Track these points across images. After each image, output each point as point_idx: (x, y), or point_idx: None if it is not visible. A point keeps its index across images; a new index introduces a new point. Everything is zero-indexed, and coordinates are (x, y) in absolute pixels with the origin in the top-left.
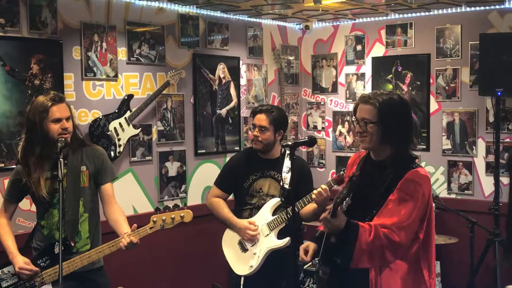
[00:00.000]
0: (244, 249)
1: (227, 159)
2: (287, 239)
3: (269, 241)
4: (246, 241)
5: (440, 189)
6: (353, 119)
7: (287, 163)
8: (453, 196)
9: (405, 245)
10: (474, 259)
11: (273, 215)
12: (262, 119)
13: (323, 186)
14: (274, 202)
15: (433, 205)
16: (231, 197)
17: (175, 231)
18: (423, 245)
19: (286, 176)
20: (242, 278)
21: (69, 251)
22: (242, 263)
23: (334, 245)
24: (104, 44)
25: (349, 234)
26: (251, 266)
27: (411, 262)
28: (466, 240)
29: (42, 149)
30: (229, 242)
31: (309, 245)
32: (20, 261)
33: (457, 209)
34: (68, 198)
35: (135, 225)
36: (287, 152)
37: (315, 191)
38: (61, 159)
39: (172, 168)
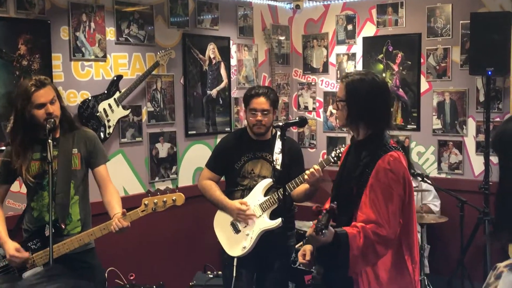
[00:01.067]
0: (237, 230)
1: (218, 140)
2: (279, 219)
3: (262, 222)
4: (240, 222)
5: (430, 169)
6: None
7: (278, 144)
8: (443, 175)
9: (393, 236)
10: (464, 238)
11: (265, 196)
12: (263, 102)
13: (316, 167)
14: (265, 183)
15: (413, 185)
16: (222, 178)
17: (166, 212)
18: (404, 230)
19: (278, 157)
20: (235, 259)
21: (60, 234)
22: (235, 245)
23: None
24: (92, 24)
25: (340, 246)
26: (244, 247)
27: (394, 248)
28: (456, 219)
29: (26, 133)
30: (221, 224)
31: (305, 248)
32: (11, 248)
33: (447, 189)
34: (59, 180)
35: (124, 210)
36: (278, 133)
37: (307, 172)
38: (49, 140)
39: (163, 149)
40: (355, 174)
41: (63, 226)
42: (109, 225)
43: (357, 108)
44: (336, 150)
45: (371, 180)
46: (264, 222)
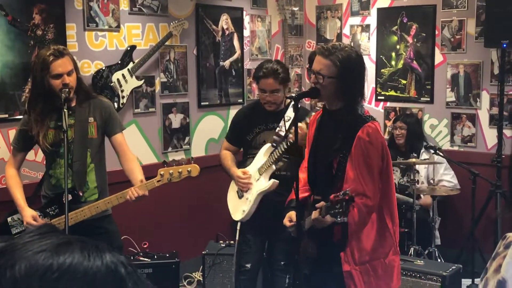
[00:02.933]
0: (240, 196)
1: (231, 111)
2: (272, 181)
3: (258, 185)
4: (240, 189)
5: (443, 141)
6: (307, 67)
7: (288, 112)
8: (456, 148)
9: (376, 204)
10: (475, 211)
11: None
12: (271, 83)
13: (300, 124)
14: (265, 148)
15: (389, 152)
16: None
17: (180, 182)
18: (383, 193)
19: (285, 124)
20: (239, 224)
21: (78, 201)
22: (237, 208)
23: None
24: None
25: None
26: (244, 211)
27: (376, 213)
28: (468, 191)
29: (45, 102)
30: (231, 191)
31: (290, 215)
32: (28, 216)
33: (459, 161)
34: (75, 148)
35: (142, 178)
36: (292, 103)
37: (300, 124)
38: (65, 110)
39: (176, 120)
40: (336, 147)
41: (80, 194)
42: (125, 194)
43: (348, 84)
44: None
45: (352, 152)
46: (260, 185)
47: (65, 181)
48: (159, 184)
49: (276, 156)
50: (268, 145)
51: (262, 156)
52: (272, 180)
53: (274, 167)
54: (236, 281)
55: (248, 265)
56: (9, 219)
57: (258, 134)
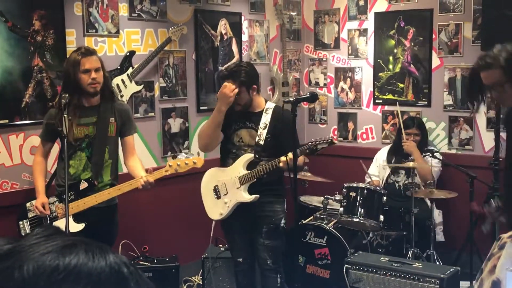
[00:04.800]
0: (218, 196)
1: None
2: (254, 196)
3: (239, 195)
4: (221, 189)
5: (441, 145)
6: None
7: (264, 119)
8: (453, 151)
9: None
10: (473, 213)
11: (247, 169)
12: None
13: (285, 158)
14: (247, 157)
15: None
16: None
17: (180, 185)
18: None
19: (262, 132)
20: (214, 222)
21: (92, 189)
22: (214, 209)
23: None
24: (105, 0)
25: None
26: (221, 214)
27: None
28: (465, 194)
29: (75, 98)
30: (206, 186)
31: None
32: (39, 201)
33: (457, 164)
34: (96, 143)
35: (150, 168)
36: (269, 107)
37: (282, 159)
38: (65, 115)
39: (175, 124)
40: None
41: (95, 183)
42: (136, 181)
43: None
44: (311, 143)
45: None
46: (241, 196)
47: (66, 181)
48: (167, 174)
49: (259, 174)
50: (249, 155)
51: (243, 164)
52: (255, 195)
53: (255, 180)
54: (234, 273)
55: (240, 259)
56: (27, 204)
57: (236, 130)
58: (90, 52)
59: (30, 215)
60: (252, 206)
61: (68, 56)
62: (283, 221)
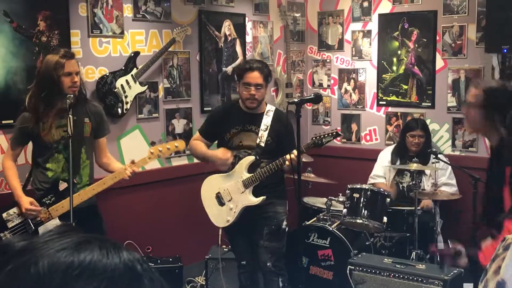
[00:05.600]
0: (221, 203)
1: None
2: (261, 198)
3: (245, 199)
4: (224, 195)
5: (444, 146)
6: None
7: (265, 121)
8: (457, 153)
9: None
10: (477, 215)
11: (249, 172)
12: (257, 76)
13: (291, 156)
14: (249, 160)
15: None
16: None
17: (183, 186)
18: None
19: (263, 134)
20: (220, 230)
21: (73, 189)
22: (220, 217)
23: None
24: (110, 1)
25: None
26: (228, 220)
27: None
28: (469, 196)
29: (52, 100)
30: (207, 195)
31: None
32: (26, 202)
33: (461, 166)
34: (72, 144)
35: (133, 159)
36: (270, 110)
37: (287, 157)
38: (70, 115)
39: (179, 125)
40: None
41: (74, 181)
42: (120, 173)
43: None
44: (316, 137)
45: None
46: (247, 199)
47: (70, 181)
48: (150, 161)
49: (263, 175)
50: (251, 157)
51: (244, 167)
52: (261, 197)
53: (259, 182)
54: (238, 275)
55: (244, 262)
56: (4, 214)
57: (235, 134)
58: (71, 55)
59: (10, 225)
60: (254, 208)
61: (48, 55)
62: (285, 223)
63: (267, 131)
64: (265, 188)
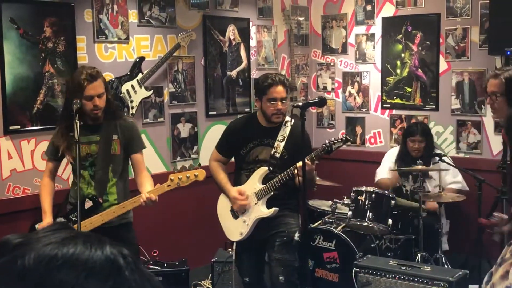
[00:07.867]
0: (236, 216)
1: None
2: (273, 209)
3: (257, 211)
4: (236, 209)
5: (449, 148)
6: None
7: (282, 132)
8: (461, 155)
9: None
10: (482, 217)
11: (262, 183)
12: (281, 90)
13: (299, 164)
14: (262, 171)
15: None
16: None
17: (189, 190)
18: None
19: (279, 144)
20: (235, 244)
21: (97, 208)
22: (234, 230)
23: None
24: (115, 7)
25: None
26: (241, 234)
27: None
28: (474, 198)
29: (71, 119)
30: (222, 209)
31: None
32: (45, 222)
33: (465, 168)
34: (98, 162)
35: (157, 184)
36: (288, 120)
37: (299, 164)
38: (76, 121)
39: (184, 129)
40: None
41: (100, 200)
42: (139, 198)
43: None
44: (326, 145)
45: None
46: (259, 211)
47: (78, 193)
48: (169, 189)
49: (276, 185)
50: (264, 168)
51: (258, 179)
52: (274, 208)
53: (272, 193)
54: None
55: (247, 279)
56: (37, 225)
57: (252, 149)
58: (94, 77)
59: None
60: (266, 221)
61: (75, 72)
62: (297, 234)
63: (284, 142)
64: (277, 201)
